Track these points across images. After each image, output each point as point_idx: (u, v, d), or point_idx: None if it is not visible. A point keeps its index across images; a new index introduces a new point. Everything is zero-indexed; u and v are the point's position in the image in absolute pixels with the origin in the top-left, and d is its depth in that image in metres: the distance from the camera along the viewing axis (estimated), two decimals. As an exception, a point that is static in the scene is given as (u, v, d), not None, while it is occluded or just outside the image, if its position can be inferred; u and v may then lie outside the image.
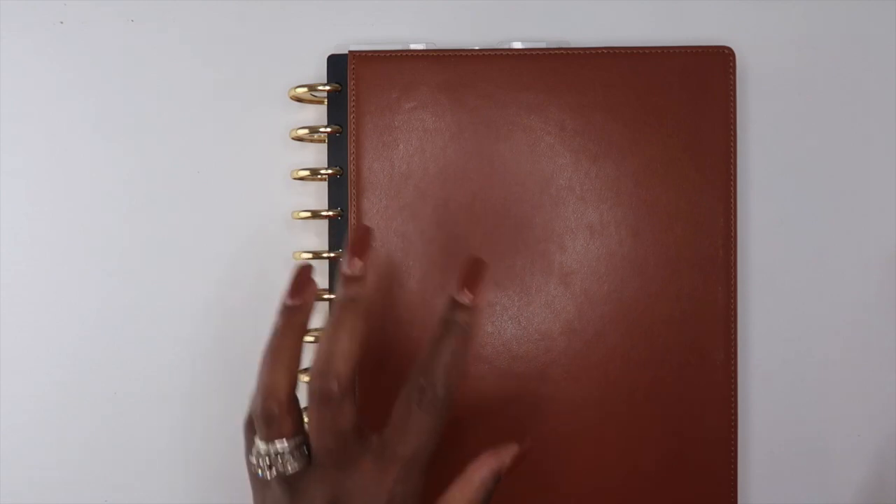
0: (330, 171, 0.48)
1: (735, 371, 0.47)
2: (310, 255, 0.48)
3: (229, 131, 0.51)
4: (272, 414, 0.37)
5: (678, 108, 0.46)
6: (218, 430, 0.50)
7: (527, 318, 0.46)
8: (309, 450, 0.37)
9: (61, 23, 0.50)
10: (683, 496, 0.46)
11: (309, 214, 0.48)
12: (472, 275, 0.37)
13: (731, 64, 0.47)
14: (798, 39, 0.51)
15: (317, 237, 0.50)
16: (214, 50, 0.51)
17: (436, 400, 0.35)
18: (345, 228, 0.47)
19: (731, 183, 0.47)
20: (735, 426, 0.47)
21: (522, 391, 0.46)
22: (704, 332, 0.46)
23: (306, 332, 0.39)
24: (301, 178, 0.48)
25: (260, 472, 0.37)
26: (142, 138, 0.51)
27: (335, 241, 0.48)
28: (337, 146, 0.48)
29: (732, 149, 0.47)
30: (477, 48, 0.47)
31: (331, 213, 0.48)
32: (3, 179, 0.50)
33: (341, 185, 0.48)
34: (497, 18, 0.50)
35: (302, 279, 0.39)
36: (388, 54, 0.47)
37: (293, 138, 0.49)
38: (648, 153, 0.46)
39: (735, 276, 0.47)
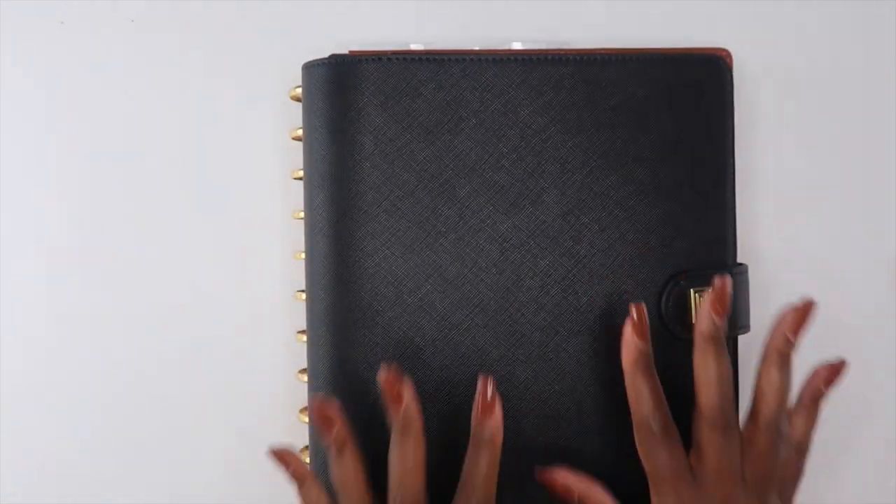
0: (330, 171, 0.48)
1: (735, 371, 0.47)
2: (310, 255, 0.48)
3: (229, 131, 0.51)
4: None
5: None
6: (218, 429, 0.50)
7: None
8: None
9: (62, 23, 0.51)
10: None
11: (309, 214, 0.48)
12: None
13: (729, 65, 0.47)
14: (797, 39, 0.51)
15: (317, 237, 0.50)
16: (214, 50, 0.51)
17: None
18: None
19: (731, 184, 0.47)
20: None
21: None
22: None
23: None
24: (301, 178, 0.48)
25: None
26: (142, 138, 0.51)
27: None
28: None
29: (732, 149, 0.47)
30: (477, 48, 0.47)
31: (331, 213, 0.48)
32: (3, 179, 0.50)
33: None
34: (497, 18, 0.50)
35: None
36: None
37: (293, 138, 0.49)
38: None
39: (735, 276, 0.47)
